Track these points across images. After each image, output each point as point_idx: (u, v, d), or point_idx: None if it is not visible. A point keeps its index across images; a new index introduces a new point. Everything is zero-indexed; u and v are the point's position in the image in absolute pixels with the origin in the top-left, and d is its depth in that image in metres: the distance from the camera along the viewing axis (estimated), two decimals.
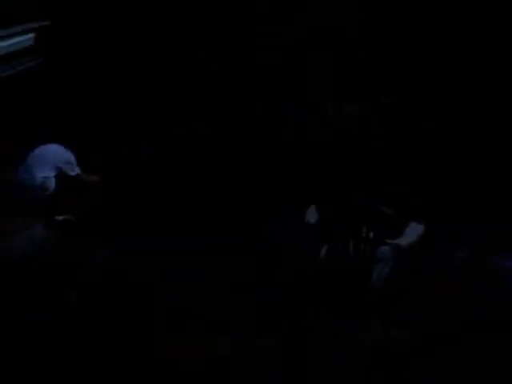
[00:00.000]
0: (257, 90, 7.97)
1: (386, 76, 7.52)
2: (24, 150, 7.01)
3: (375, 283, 5.77)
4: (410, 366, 4.90)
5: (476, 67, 7.22)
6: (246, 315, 5.44)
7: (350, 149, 7.05)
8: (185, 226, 6.52)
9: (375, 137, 7.20)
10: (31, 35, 12.08)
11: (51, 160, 6.87)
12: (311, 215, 6.07)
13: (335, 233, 5.90)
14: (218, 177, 7.40)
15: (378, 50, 7.55)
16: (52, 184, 6.83)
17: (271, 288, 5.68)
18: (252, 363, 4.89)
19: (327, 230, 5.95)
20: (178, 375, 4.77)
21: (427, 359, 4.95)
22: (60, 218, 6.74)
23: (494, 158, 7.12)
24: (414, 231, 5.97)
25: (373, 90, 7.46)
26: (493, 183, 6.91)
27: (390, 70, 7.52)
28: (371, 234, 5.87)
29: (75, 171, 6.94)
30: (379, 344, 5.15)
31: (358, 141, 7.12)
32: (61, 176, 6.86)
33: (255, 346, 5.07)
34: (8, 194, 6.78)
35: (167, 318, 5.29)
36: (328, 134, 7.33)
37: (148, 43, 8.68)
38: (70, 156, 6.96)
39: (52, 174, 6.83)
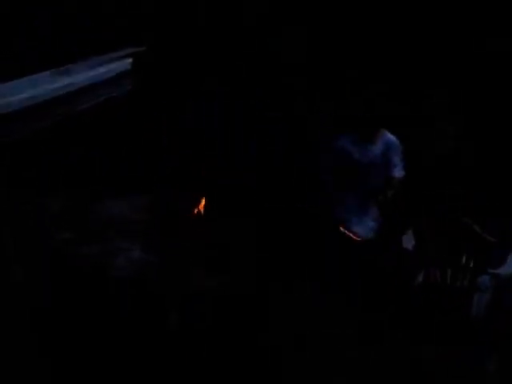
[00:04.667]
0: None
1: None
2: None
3: (474, 313, 5.60)
4: None
5: None
6: None
7: (450, 170, 6.89)
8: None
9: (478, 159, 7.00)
10: (129, 60, 12.53)
11: None
12: (408, 240, 5.97)
13: (433, 259, 5.78)
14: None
15: None
16: None
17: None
18: None
19: (425, 256, 5.83)
20: None
21: None
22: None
23: None
24: None
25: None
26: None
27: None
28: (471, 263, 5.72)
29: None
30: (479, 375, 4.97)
31: (460, 162, 6.95)
32: None
33: None
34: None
35: None
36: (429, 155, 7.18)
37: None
38: None
39: None
